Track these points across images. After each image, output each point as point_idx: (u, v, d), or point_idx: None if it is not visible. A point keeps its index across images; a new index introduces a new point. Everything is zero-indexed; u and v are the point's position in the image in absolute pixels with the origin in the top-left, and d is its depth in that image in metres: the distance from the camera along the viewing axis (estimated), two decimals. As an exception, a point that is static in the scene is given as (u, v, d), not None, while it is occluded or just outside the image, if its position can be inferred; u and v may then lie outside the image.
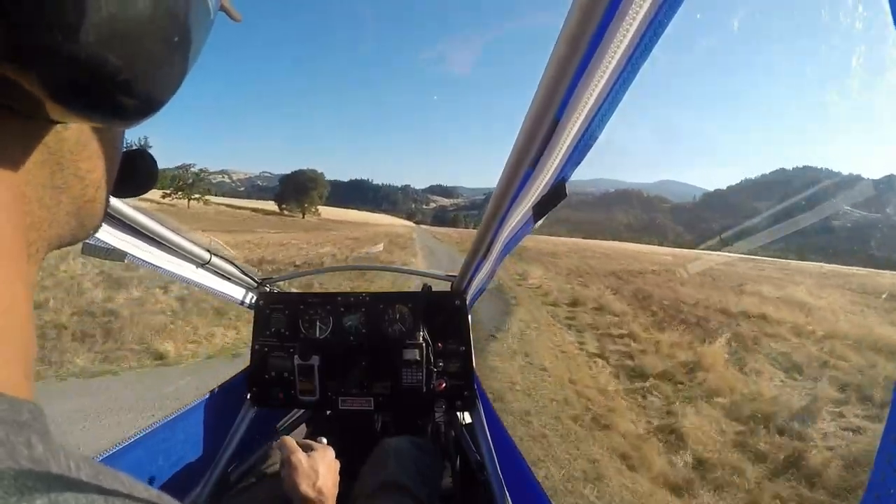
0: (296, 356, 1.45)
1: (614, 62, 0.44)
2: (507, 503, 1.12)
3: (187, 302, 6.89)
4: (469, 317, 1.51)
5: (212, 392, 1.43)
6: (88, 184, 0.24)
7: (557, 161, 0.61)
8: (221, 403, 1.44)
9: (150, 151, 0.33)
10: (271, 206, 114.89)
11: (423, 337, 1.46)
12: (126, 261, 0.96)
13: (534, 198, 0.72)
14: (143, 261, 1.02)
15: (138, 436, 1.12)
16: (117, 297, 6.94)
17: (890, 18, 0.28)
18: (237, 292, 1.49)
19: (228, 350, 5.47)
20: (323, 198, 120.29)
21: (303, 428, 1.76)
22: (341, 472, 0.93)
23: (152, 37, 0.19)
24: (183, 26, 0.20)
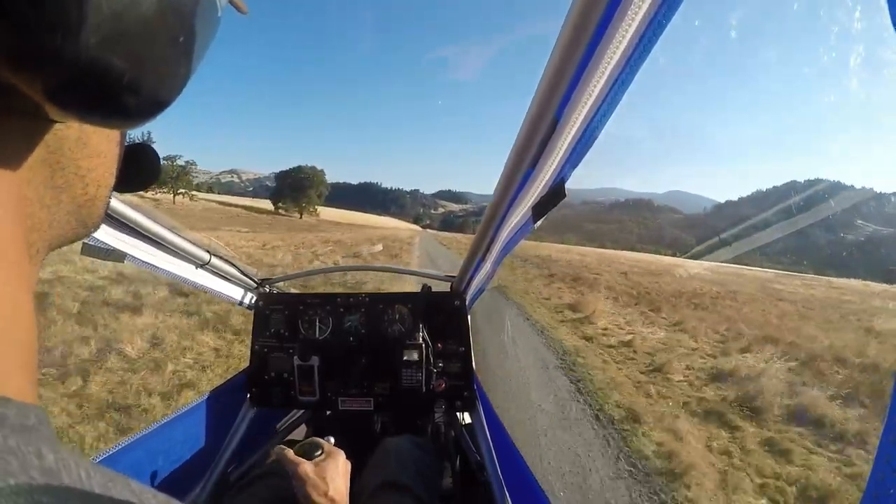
0: (295, 357, 1.45)
1: (613, 62, 0.44)
2: (507, 503, 1.11)
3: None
4: (469, 317, 1.51)
5: (212, 392, 1.43)
6: (89, 182, 0.24)
7: (557, 161, 0.61)
8: (221, 403, 1.44)
9: (155, 147, 0.33)
10: (270, 205, 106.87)
11: (423, 337, 1.46)
12: (125, 261, 0.96)
13: (533, 198, 0.72)
14: (143, 261, 1.02)
15: (138, 436, 1.12)
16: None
17: (888, 21, 0.28)
18: (237, 293, 1.49)
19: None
20: (322, 197, 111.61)
21: (303, 428, 1.76)
22: None
23: (156, 37, 0.18)
24: (189, 25, 0.20)
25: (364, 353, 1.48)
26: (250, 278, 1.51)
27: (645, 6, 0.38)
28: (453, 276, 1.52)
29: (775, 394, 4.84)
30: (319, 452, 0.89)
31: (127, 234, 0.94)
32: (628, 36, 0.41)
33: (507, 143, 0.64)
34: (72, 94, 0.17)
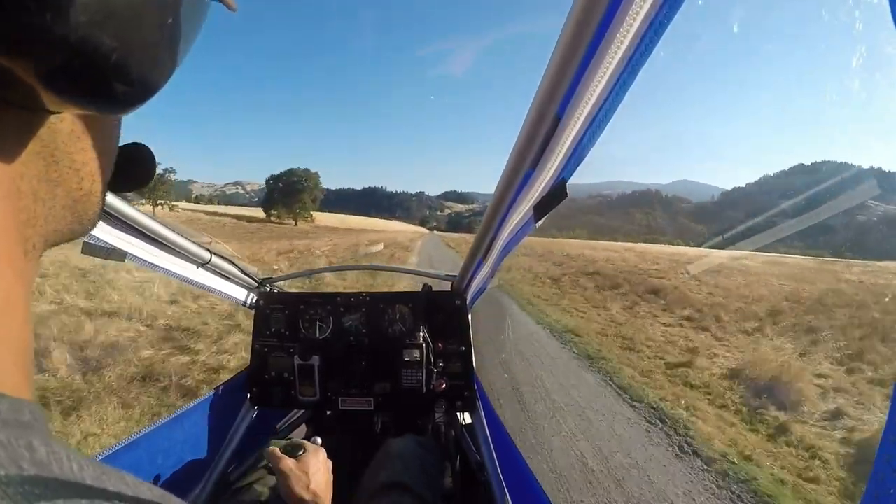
0: (296, 356, 1.45)
1: (615, 62, 0.44)
2: (508, 503, 1.11)
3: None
4: (469, 317, 1.51)
5: (212, 392, 1.43)
6: (84, 176, 0.24)
7: (558, 161, 0.61)
8: (221, 403, 1.44)
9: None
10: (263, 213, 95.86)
11: (424, 337, 1.46)
12: (126, 261, 0.96)
13: (534, 198, 0.72)
14: (144, 261, 1.02)
15: (138, 436, 1.12)
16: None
17: (890, 20, 0.28)
18: (237, 292, 1.49)
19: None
20: (317, 201, 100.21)
21: (303, 428, 1.75)
22: (342, 472, 0.93)
23: (145, 17, 0.19)
24: (176, 7, 0.20)
25: (364, 352, 1.48)
26: (251, 278, 1.52)
27: (646, 6, 0.38)
28: (454, 276, 1.52)
29: None
30: (302, 452, 0.93)
31: (128, 233, 0.94)
32: (629, 36, 0.41)
33: (510, 142, 0.64)
34: (63, 75, 0.17)
